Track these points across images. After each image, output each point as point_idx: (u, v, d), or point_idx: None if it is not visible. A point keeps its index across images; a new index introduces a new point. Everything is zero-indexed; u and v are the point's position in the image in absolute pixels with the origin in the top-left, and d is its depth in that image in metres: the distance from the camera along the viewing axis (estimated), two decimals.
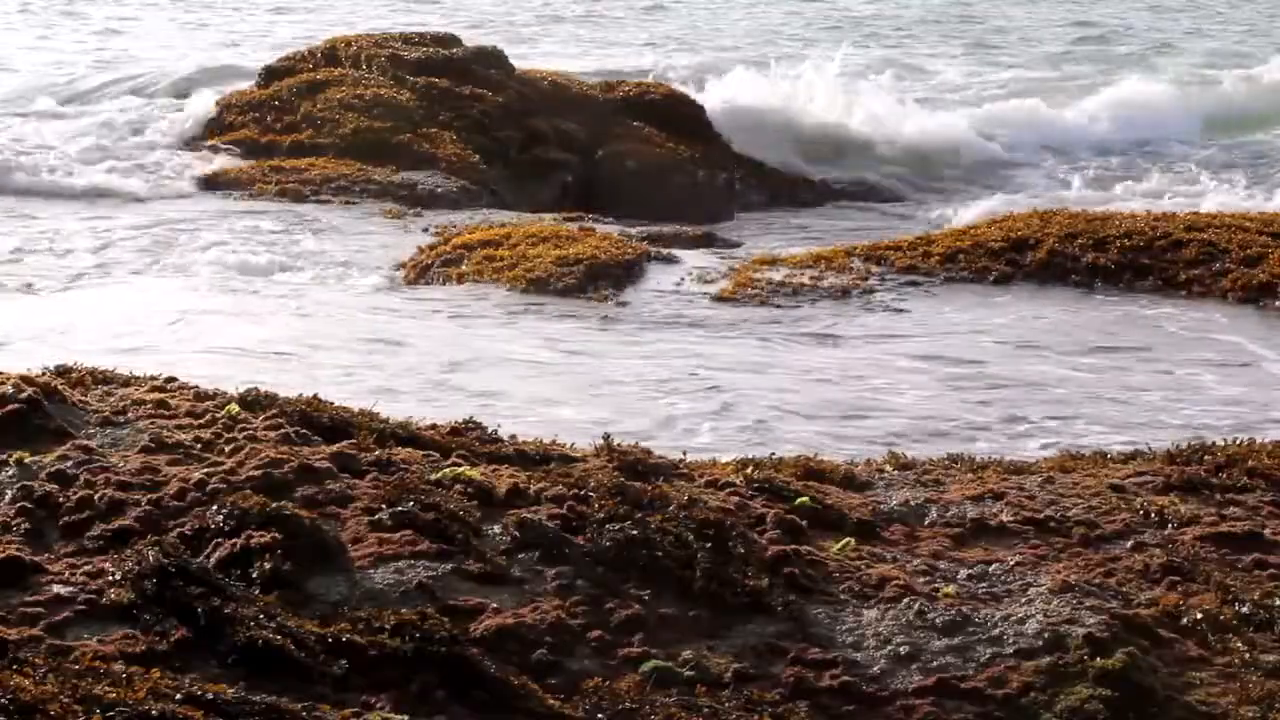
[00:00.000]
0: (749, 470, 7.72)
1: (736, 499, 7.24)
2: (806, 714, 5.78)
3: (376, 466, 7.08)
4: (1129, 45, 37.18)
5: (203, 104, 23.13)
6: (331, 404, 7.86)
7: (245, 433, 7.27)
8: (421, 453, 7.38)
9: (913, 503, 7.50)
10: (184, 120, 22.76)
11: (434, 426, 7.84)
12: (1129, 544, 7.14)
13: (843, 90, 27.09)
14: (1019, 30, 39.79)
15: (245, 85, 23.55)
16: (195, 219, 17.82)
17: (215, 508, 6.39)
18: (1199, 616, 6.49)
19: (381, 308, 13.96)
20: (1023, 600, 6.50)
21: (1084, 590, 6.59)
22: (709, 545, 6.56)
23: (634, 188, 21.53)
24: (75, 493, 6.60)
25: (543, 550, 6.48)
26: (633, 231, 17.33)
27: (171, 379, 8.06)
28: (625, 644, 6.03)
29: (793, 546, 6.78)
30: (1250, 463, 8.07)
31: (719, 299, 14.05)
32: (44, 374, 7.70)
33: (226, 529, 6.25)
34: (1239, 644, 6.33)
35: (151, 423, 7.39)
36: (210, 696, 5.09)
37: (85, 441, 7.10)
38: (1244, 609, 6.57)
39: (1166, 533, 7.26)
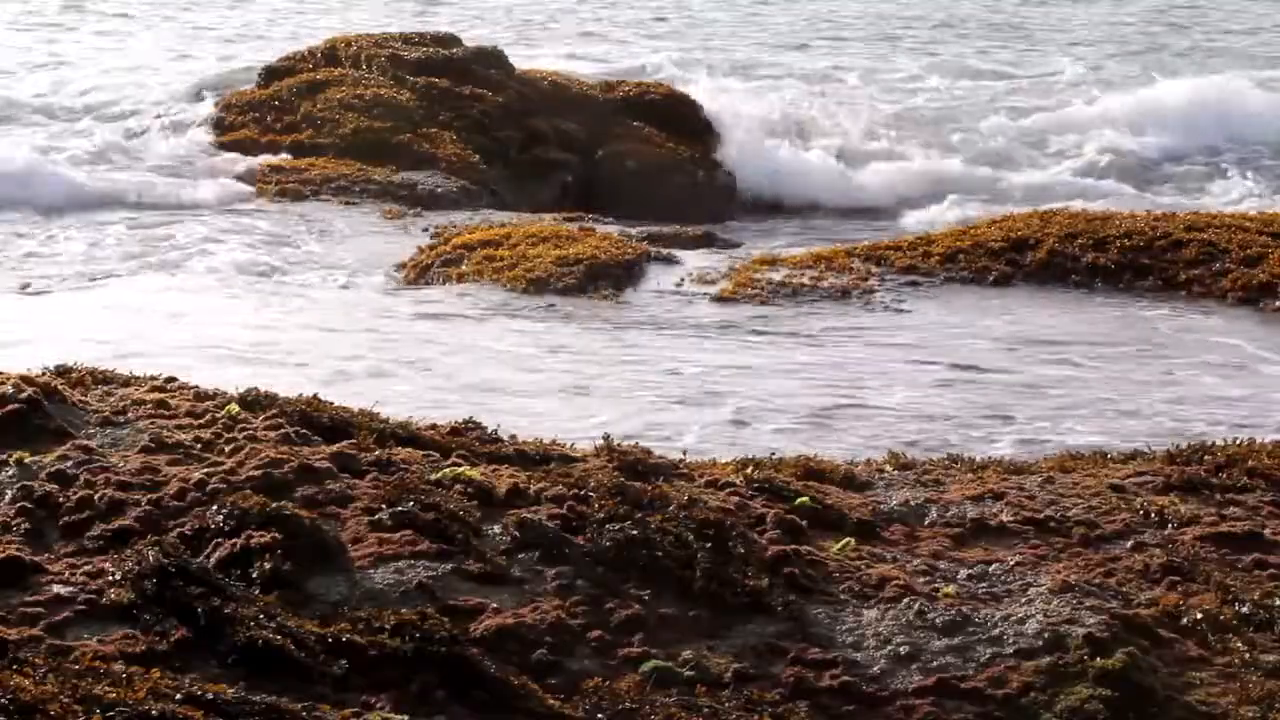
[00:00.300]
0: (749, 470, 7.72)
1: (736, 499, 7.24)
2: (806, 714, 5.78)
3: (376, 466, 7.08)
4: None
5: (204, 105, 23.14)
6: (331, 404, 7.86)
7: (245, 433, 7.27)
8: (421, 453, 7.38)
9: (913, 503, 7.50)
10: (183, 121, 22.74)
11: (434, 426, 7.84)
12: (1129, 544, 7.14)
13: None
14: None
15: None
16: (195, 219, 17.82)
17: (215, 508, 6.39)
18: (1199, 616, 6.49)
19: (380, 307, 13.96)
20: (1023, 600, 6.51)
21: (1084, 590, 6.59)
22: (709, 545, 6.56)
23: (634, 188, 21.52)
24: (75, 493, 6.60)
25: (543, 550, 6.48)
26: (633, 231, 17.32)
27: (171, 379, 8.06)
28: (625, 644, 6.04)
29: (793, 546, 6.78)
30: (1250, 463, 8.07)
31: (719, 299, 14.05)
32: (44, 374, 7.70)
33: (226, 529, 6.25)
34: (1239, 644, 6.33)
35: (151, 423, 7.39)
36: (210, 696, 5.09)
37: (85, 441, 7.10)
38: (1244, 609, 6.57)
39: (1166, 533, 7.26)
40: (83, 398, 7.59)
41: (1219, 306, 13.87)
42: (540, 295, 14.15)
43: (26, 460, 6.84)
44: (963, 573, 6.78)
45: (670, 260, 15.54)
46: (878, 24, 38.06)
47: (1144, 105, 26.52)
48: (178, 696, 5.04)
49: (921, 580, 6.68)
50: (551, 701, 5.62)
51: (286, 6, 38.40)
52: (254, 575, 6.01)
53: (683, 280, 14.70)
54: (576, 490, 6.98)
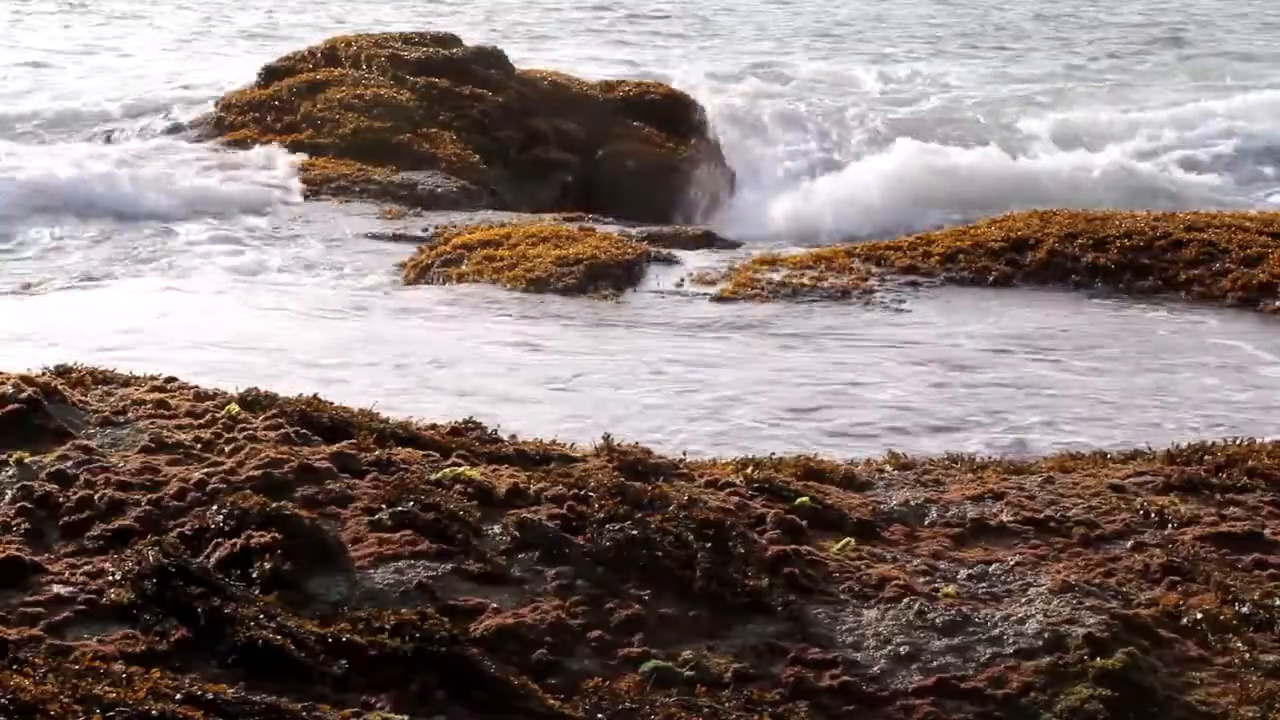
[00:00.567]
0: (749, 470, 7.72)
1: (736, 499, 7.24)
2: (806, 714, 5.78)
3: (376, 466, 7.08)
4: None
5: (205, 106, 23.14)
6: (331, 404, 7.86)
7: (245, 433, 7.27)
8: (421, 453, 7.38)
9: (913, 503, 7.50)
10: (182, 122, 22.74)
11: (434, 426, 7.84)
12: (1129, 544, 7.14)
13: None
14: None
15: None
16: (194, 219, 17.81)
17: (215, 508, 6.39)
18: (1199, 616, 6.49)
19: (379, 307, 13.95)
20: (1023, 600, 6.51)
21: (1084, 590, 6.59)
22: (709, 545, 6.56)
23: (634, 188, 21.53)
24: (75, 493, 6.60)
25: (543, 550, 6.48)
26: (633, 231, 17.32)
27: (172, 379, 8.07)
28: (625, 644, 6.03)
29: (793, 546, 6.78)
30: (1250, 463, 8.07)
31: (719, 299, 14.05)
32: (44, 374, 7.70)
33: (226, 529, 6.25)
34: (1239, 644, 6.33)
35: (151, 423, 7.39)
36: (210, 696, 5.09)
37: (85, 441, 7.10)
38: (1244, 609, 6.57)
39: (1166, 533, 7.26)
40: (83, 398, 7.59)
41: (1219, 306, 13.86)
42: (540, 295, 14.14)
43: (26, 460, 6.84)
44: (963, 573, 6.78)
45: (670, 260, 15.54)
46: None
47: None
48: (178, 696, 5.04)
49: (921, 580, 6.68)
50: (551, 701, 5.62)
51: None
52: (254, 575, 6.01)
53: (683, 280, 14.70)
54: (576, 490, 6.98)
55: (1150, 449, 8.58)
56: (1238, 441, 8.54)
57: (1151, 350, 12.58)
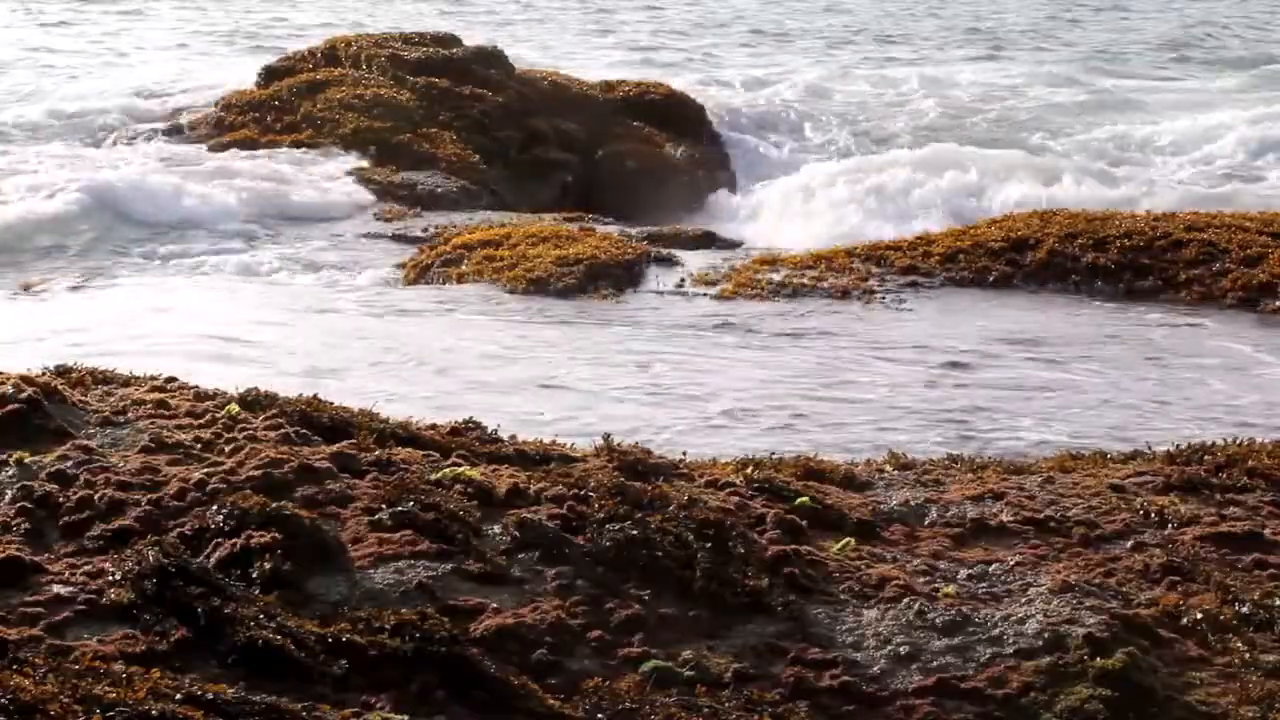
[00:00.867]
0: (749, 470, 7.72)
1: (736, 499, 7.24)
2: (806, 714, 5.77)
3: (376, 466, 7.08)
4: None
5: (205, 108, 23.15)
6: (331, 404, 7.86)
7: (245, 433, 7.27)
8: (421, 453, 7.38)
9: (913, 503, 7.50)
10: (182, 122, 22.74)
11: (434, 426, 7.84)
12: (1129, 544, 7.14)
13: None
14: None
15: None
16: (194, 218, 17.81)
17: (215, 508, 6.39)
18: (1199, 616, 6.49)
19: (378, 306, 13.95)
20: (1023, 600, 6.50)
21: (1084, 590, 6.59)
22: (709, 545, 6.56)
23: (634, 188, 21.55)
24: (75, 493, 6.60)
25: (543, 550, 6.48)
26: (633, 231, 17.33)
27: (172, 379, 8.07)
28: (625, 644, 6.03)
29: (793, 546, 6.77)
30: (1250, 463, 8.07)
31: (719, 299, 14.06)
32: (44, 374, 7.69)
33: (226, 529, 6.24)
34: (1239, 644, 6.33)
35: (151, 423, 7.38)
36: (210, 696, 5.09)
37: (85, 441, 7.10)
38: (1244, 609, 6.57)
39: (1166, 533, 7.26)
40: (83, 398, 7.58)
41: (1219, 306, 13.87)
42: (540, 295, 14.15)
43: (26, 460, 6.84)
44: (963, 573, 6.78)
45: (670, 260, 15.55)
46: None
47: None
48: (178, 696, 5.03)
49: (921, 580, 6.68)
50: (551, 701, 5.62)
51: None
52: (254, 575, 6.01)
53: (683, 280, 14.71)
54: (576, 490, 6.98)
55: (1150, 449, 8.58)
56: (1238, 441, 8.54)
57: (1151, 350, 12.59)
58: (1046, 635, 6.18)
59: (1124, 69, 32.90)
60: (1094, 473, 8.08)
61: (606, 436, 7.87)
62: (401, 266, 15.63)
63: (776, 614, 6.30)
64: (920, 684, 5.96)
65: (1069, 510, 7.45)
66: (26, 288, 14.92)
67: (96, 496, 6.57)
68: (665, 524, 6.63)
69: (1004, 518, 7.34)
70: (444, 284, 14.84)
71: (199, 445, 7.15)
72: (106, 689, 4.98)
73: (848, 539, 7.00)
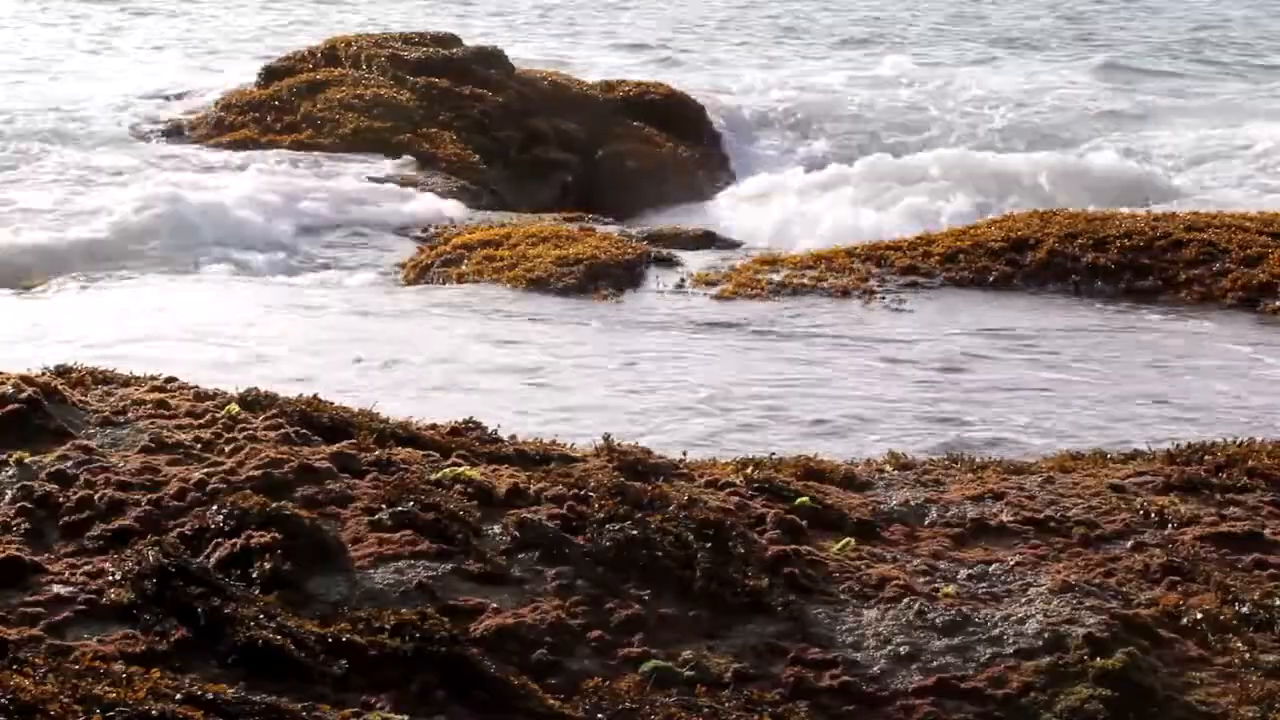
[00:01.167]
0: (749, 470, 7.72)
1: (736, 499, 7.24)
2: (806, 714, 5.77)
3: (376, 466, 7.08)
4: None
5: (205, 106, 23.14)
6: (331, 404, 7.86)
7: (245, 433, 7.27)
8: (421, 453, 7.38)
9: (913, 503, 7.49)
10: (182, 123, 22.73)
11: (434, 426, 7.83)
12: (1129, 544, 7.14)
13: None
14: None
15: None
16: (194, 218, 17.79)
17: (215, 508, 6.39)
18: (1199, 616, 6.49)
19: (378, 306, 13.95)
20: (1023, 600, 6.50)
21: (1084, 590, 6.59)
22: (709, 545, 6.56)
23: (634, 188, 21.55)
24: (75, 493, 6.60)
25: (543, 550, 6.48)
26: (633, 231, 17.33)
27: (171, 379, 8.06)
28: (625, 644, 6.03)
29: (793, 546, 6.77)
30: (1250, 463, 8.07)
31: (719, 299, 14.06)
32: (44, 374, 7.69)
33: (226, 529, 6.24)
34: (1239, 644, 6.33)
35: (151, 423, 7.38)
36: (210, 696, 5.09)
37: (85, 441, 7.09)
38: (1244, 609, 6.57)
39: (1166, 533, 7.26)
40: (83, 398, 7.58)
41: (1219, 306, 13.86)
42: (540, 295, 14.15)
43: (26, 460, 6.84)
44: (963, 573, 6.78)
45: (670, 260, 15.55)
46: None
47: None
48: (178, 696, 5.03)
49: (921, 580, 6.68)
50: (551, 701, 5.62)
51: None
52: (254, 575, 6.01)
53: (683, 280, 14.70)
54: (576, 490, 6.98)
55: (1150, 449, 8.58)
56: (1238, 441, 8.54)
57: (1151, 351, 12.58)
58: (1046, 635, 6.18)
59: (1142, 71, 32.77)
60: (1094, 473, 8.08)
61: (607, 436, 7.87)
62: (401, 266, 15.63)
63: (776, 614, 6.30)
64: (920, 684, 5.96)
65: (1069, 510, 7.45)
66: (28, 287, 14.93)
67: (96, 496, 6.57)
68: (665, 524, 6.63)
69: (1004, 518, 7.34)
70: (444, 284, 14.84)
71: (199, 445, 7.15)
72: (106, 689, 4.98)
73: (848, 539, 7.00)
